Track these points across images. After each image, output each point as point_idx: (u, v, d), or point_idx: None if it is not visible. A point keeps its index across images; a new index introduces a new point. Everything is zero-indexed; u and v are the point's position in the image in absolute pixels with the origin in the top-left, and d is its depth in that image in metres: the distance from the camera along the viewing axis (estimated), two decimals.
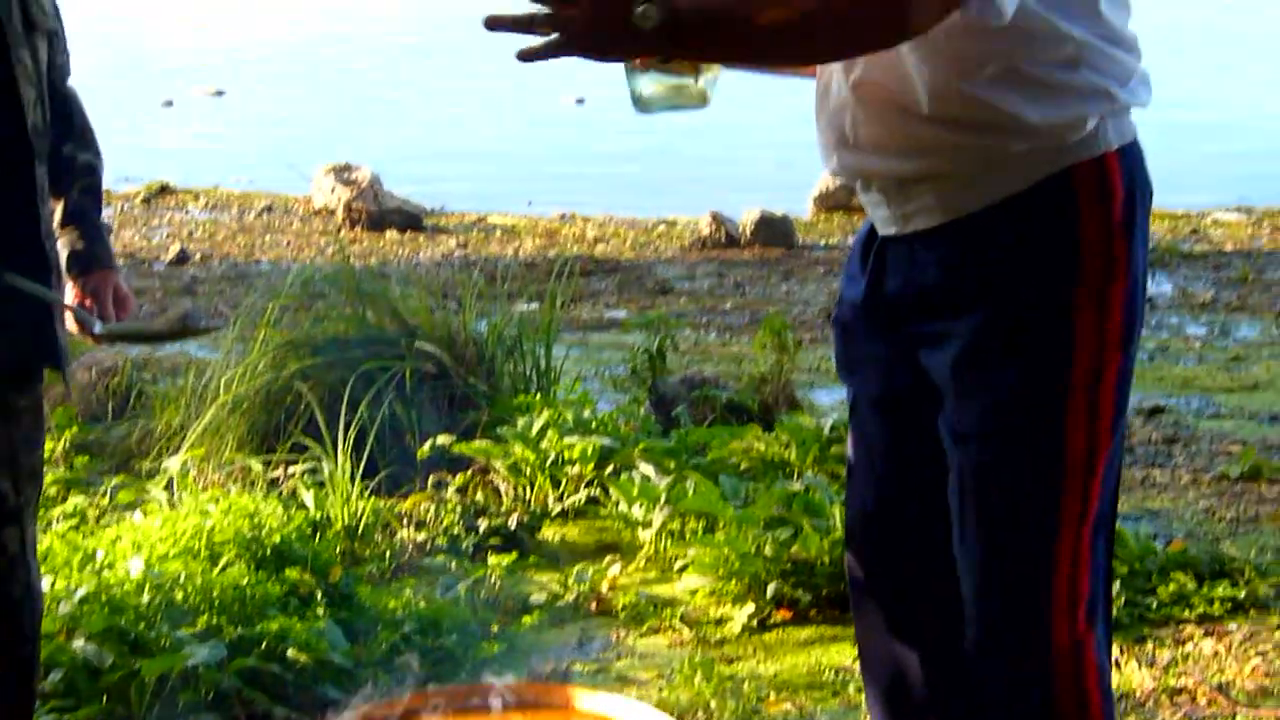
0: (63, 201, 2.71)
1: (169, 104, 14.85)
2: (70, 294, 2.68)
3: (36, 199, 2.51)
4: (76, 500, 4.60)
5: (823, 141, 2.38)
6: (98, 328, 2.63)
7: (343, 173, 10.58)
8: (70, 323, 2.65)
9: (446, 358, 5.08)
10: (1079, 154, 2.21)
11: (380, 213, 10.16)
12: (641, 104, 2.31)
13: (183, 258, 9.27)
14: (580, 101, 14.81)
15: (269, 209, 10.82)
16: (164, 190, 11.24)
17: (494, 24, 2.06)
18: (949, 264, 2.26)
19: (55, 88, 2.63)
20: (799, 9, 2.05)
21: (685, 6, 2.03)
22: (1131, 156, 2.27)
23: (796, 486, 4.37)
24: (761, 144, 12.07)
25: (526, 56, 2.11)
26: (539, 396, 5.08)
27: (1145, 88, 2.28)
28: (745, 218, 9.50)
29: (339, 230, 10.06)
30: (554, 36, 2.06)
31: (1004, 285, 2.23)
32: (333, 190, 10.44)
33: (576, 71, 15.78)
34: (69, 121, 2.72)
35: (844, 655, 3.74)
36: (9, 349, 2.50)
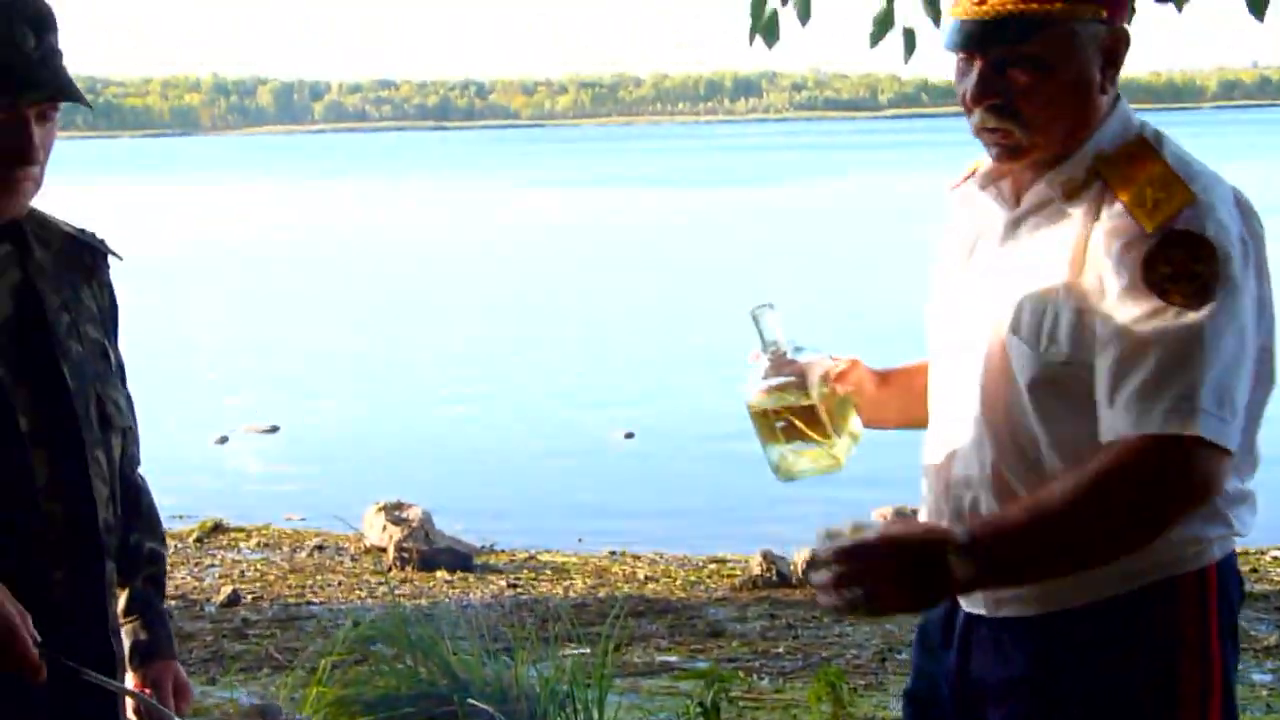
0: (127, 590, 2.73)
1: (223, 440, 15.04)
2: (130, 683, 2.68)
3: (106, 596, 2.53)
4: None
5: (934, 505, 2.38)
6: None
7: (393, 511, 10.64)
8: (130, 714, 2.65)
9: (499, 715, 5.02)
10: (1185, 565, 2.22)
11: (431, 552, 10.18)
12: (780, 472, 2.40)
13: (234, 599, 9.27)
14: (630, 435, 14.93)
15: (320, 547, 10.86)
16: (217, 528, 11.30)
17: (811, 569, 2.20)
18: (1041, 658, 2.25)
19: (125, 477, 2.67)
20: (1094, 538, 2.15)
21: (997, 556, 2.13)
22: (1230, 566, 2.28)
23: None
24: (812, 481, 12.09)
25: (837, 611, 2.22)
26: None
27: (1252, 512, 2.31)
28: (797, 557, 9.48)
29: (389, 570, 10.07)
30: (863, 602, 2.15)
31: (1100, 687, 2.20)
32: (384, 529, 10.49)
33: (626, 405, 16.05)
34: (137, 509, 2.76)
35: None
36: None
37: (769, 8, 5.62)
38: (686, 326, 22.12)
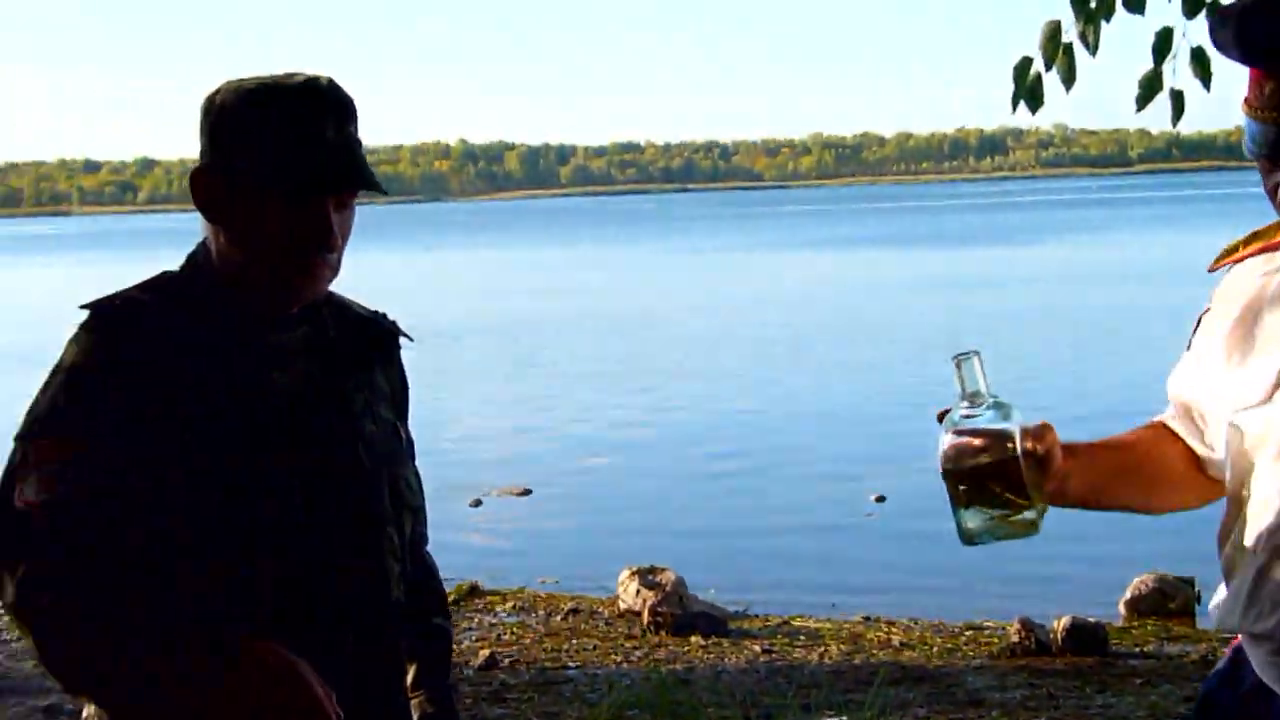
0: (415, 665, 2.79)
1: (477, 503, 15.28)
2: None
3: (398, 672, 2.59)
4: None
5: (1248, 592, 2.30)
6: None
7: (647, 575, 10.69)
8: None
9: None
10: None
11: (685, 616, 10.19)
12: (970, 536, 2.32)
13: (492, 663, 9.38)
14: (881, 499, 14.81)
15: (575, 610, 10.94)
16: (473, 591, 11.46)
17: None
18: None
19: (415, 554, 2.74)
20: None
21: None
22: None
23: None
24: (1070, 543, 11.87)
25: None
26: None
27: None
28: (1056, 624, 9.29)
29: (644, 634, 10.11)
30: None
31: None
32: (637, 592, 10.54)
33: (877, 469, 15.95)
34: (427, 586, 2.82)
35: None
36: None
37: (1032, 72, 5.56)
38: (936, 389, 21.92)
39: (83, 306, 2.47)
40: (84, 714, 2.55)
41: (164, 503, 2.34)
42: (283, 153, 2.42)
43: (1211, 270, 2.54)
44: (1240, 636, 2.39)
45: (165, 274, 2.56)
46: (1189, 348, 2.58)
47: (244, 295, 2.49)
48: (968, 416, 2.30)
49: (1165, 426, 2.66)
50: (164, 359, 2.40)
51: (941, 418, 2.39)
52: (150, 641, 2.27)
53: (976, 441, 2.29)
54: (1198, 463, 2.59)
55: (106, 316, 2.45)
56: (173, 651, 2.26)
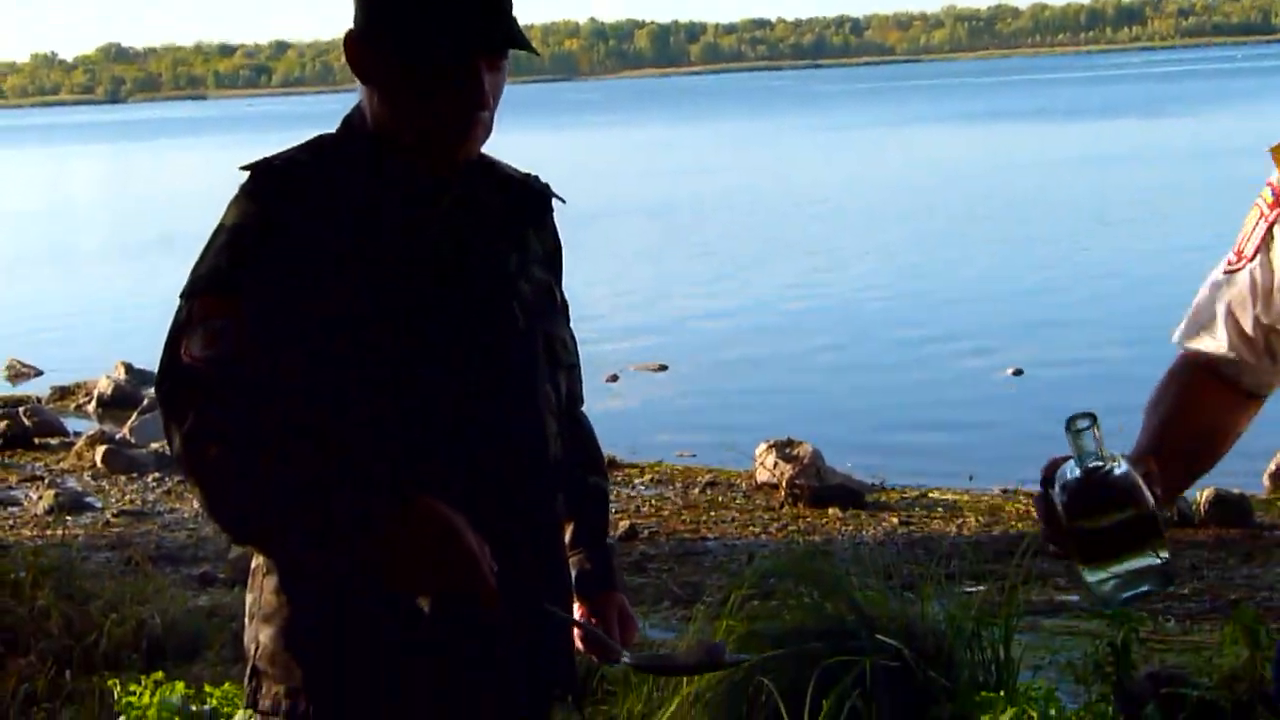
0: (573, 524, 2.83)
1: (614, 379, 15.36)
2: (577, 614, 2.78)
3: (555, 529, 2.63)
4: None
5: None
6: (626, 657, 2.72)
7: (784, 448, 10.73)
8: (580, 644, 2.75)
9: (905, 649, 5.03)
10: None
11: (822, 488, 10.23)
12: (1112, 596, 2.28)
13: (632, 534, 9.50)
14: (1018, 372, 14.70)
15: (712, 484, 11.02)
16: (611, 464, 11.56)
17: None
18: None
19: (571, 413, 2.77)
20: None
21: None
22: None
23: None
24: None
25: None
26: (1001, 692, 4.98)
27: None
28: (1199, 496, 9.21)
29: (782, 506, 10.17)
30: None
31: None
32: (775, 466, 10.58)
33: (1013, 342, 15.82)
34: (582, 444, 2.86)
35: None
36: (536, 674, 2.61)
37: None
38: (1074, 260, 21.68)
39: (243, 168, 2.51)
40: (249, 589, 2.60)
41: (325, 360, 2.39)
42: (439, 13, 2.44)
43: None
44: None
45: (322, 136, 2.59)
46: (1253, 257, 2.45)
47: (401, 155, 2.52)
48: (1098, 471, 2.24)
49: (1200, 373, 2.56)
50: (323, 218, 2.44)
51: (1046, 477, 2.33)
52: (312, 494, 2.32)
53: (1109, 497, 2.24)
54: (1239, 399, 2.53)
55: (266, 176, 2.49)
56: (334, 505, 2.31)
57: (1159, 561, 2.21)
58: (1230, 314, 2.47)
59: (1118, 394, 13.11)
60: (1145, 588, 2.25)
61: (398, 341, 2.43)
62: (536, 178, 2.76)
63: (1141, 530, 2.22)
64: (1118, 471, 2.21)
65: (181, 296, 2.46)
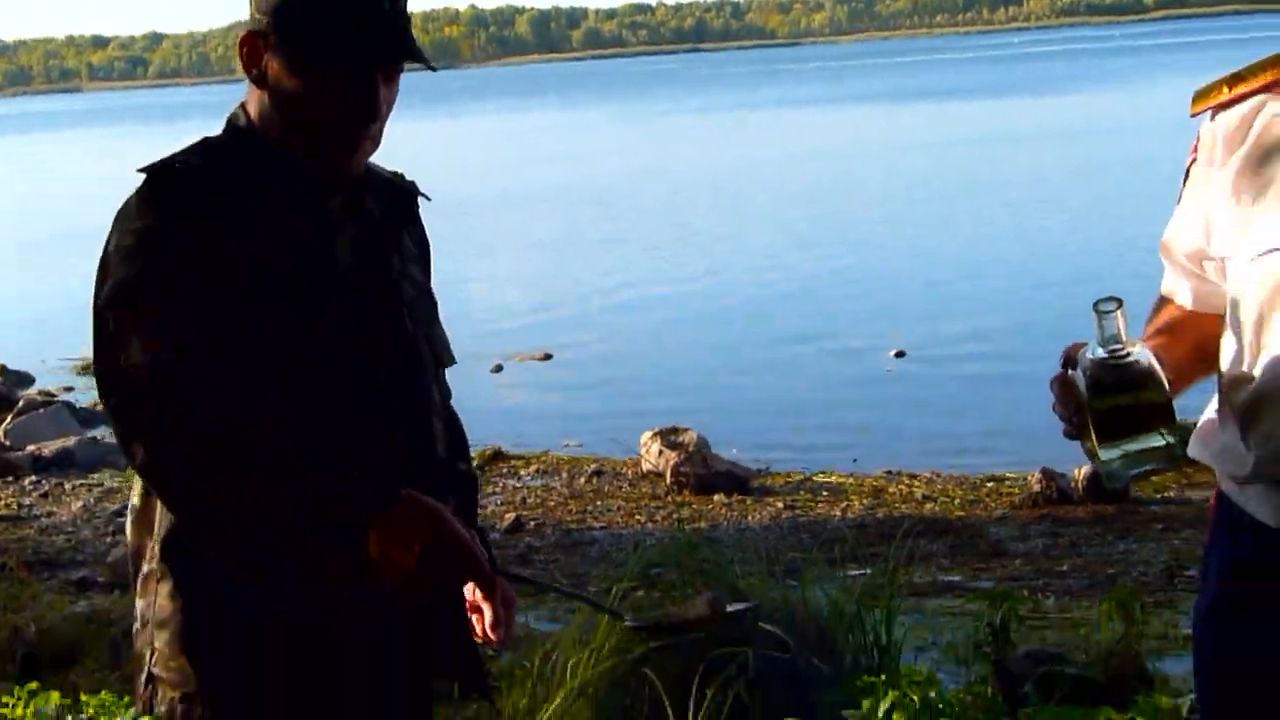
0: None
1: (498, 369, 15.32)
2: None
3: None
4: None
5: None
6: (629, 620, 2.77)
7: (669, 436, 10.75)
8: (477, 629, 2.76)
9: (789, 636, 5.06)
10: None
11: (708, 475, 10.27)
12: (1118, 474, 2.37)
13: (518, 526, 9.48)
14: (901, 355, 14.82)
15: (598, 473, 11.02)
16: (497, 456, 11.54)
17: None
18: None
19: (447, 409, 2.78)
20: None
21: None
22: None
23: None
24: None
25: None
26: (883, 675, 5.01)
27: None
28: (1077, 473, 9.34)
29: (667, 494, 10.19)
30: None
31: None
32: (660, 454, 10.60)
33: (896, 325, 15.94)
34: (456, 436, 2.86)
35: None
36: (424, 662, 2.63)
37: None
38: (957, 243, 21.89)
39: (141, 170, 2.48)
40: (139, 609, 2.58)
41: (234, 362, 2.38)
42: (340, 21, 2.43)
43: (1195, 114, 2.50)
44: (1250, 487, 2.38)
45: (209, 139, 2.57)
46: (1179, 202, 2.56)
47: (292, 159, 2.51)
48: (1120, 353, 2.32)
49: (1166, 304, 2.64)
50: (221, 222, 2.43)
51: (1067, 359, 2.40)
52: (297, 497, 2.33)
53: (1127, 378, 2.31)
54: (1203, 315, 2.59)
55: (165, 180, 2.46)
56: (321, 506, 2.33)
57: (1169, 443, 2.29)
58: (1167, 248, 2.60)
59: (1000, 373, 13.37)
60: (1151, 466, 2.34)
61: (291, 347, 2.42)
62: (402, 175, 2.75)
63: (1156, 412, 2.31)
64: (1138, 355, 2.29)
65: (99, 308, 2.43)
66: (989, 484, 10.08)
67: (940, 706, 4.77)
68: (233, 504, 2.35)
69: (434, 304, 2.72)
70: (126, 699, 5.21)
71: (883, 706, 4.72)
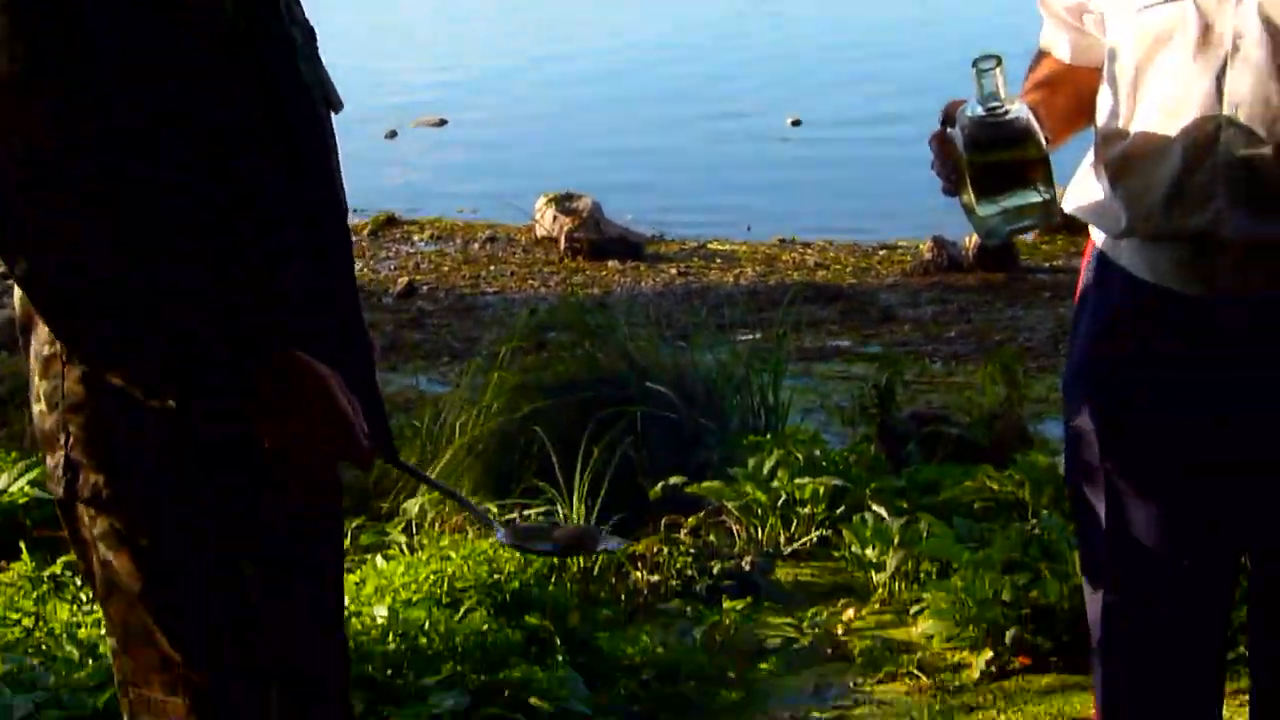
0: None
1: (392, 135, 15.14)
2: None
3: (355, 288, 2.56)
4: None
5: (1167, 193, 2.28)
6: (500, 535, 2.66)
7: (564, 201, 10.69)
8: None
9: (676, 397, 5.11)
10: None
11: (601, 241, 10.25)
12: (995, 231, 2.36)
13: (411, 290, 9.45)
14: (797, 123, 14.78)
15: (492, 239, 10.97)
16: (390, 222, 11.44)
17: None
18: None
19: None
20: None
21: None
22: None
23: (1033, 528, 4.33)
24: None
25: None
26: (769, 435, 5.09)
27: None
28: (968, 241, 9.40)
29: (561, 259, 10.17)
30: None
31: None
32: (554, 220, 10.55)
33: (793, 93, 15.87)
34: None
35: (1086, 705, 3.69)
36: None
37: None
38: (856, 12, 21.73)
39: None
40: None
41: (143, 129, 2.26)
42: None
43: None
44: (1123, 241, 2.38)
45: None
46: None
47: None
48: (998, 110, 2.30)
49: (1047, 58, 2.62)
50: None
51: (946, 116, 2.36)
52: (178, 340, 2.22)
53: (1004, 135, 2.29)
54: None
55: None
56: (199, 352, 2.22)
57: (1045, 198, 2.30)
58: (1045, 1, 2.58)
59: (896, 144, 13.34)
60: (1028, 221, 2.36)
61: (186, 100, 2.30)
62: None
63: (1033, 168, 2.31)
64: (1016, 112, 2.29)
65: None
66: (881, 251, 10.14)
67: (824, 464, 4.86)
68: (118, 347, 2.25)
69: (315, 43, 2.60)
70: (15, 454, 5.20)
71: (768, 464, 4.81)
